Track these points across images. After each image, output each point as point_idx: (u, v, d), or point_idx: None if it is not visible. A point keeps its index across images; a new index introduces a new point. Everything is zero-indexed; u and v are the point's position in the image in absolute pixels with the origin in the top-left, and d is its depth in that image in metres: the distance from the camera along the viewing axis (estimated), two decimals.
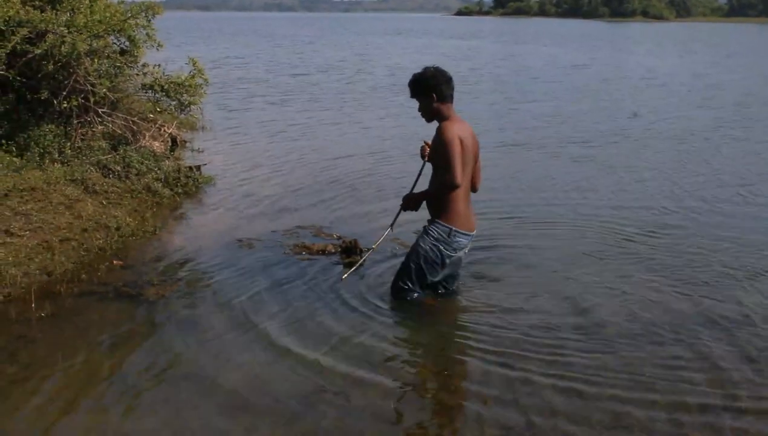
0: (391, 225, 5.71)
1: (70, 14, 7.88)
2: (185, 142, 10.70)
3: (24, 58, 7.69)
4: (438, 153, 5.02)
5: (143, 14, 8.38)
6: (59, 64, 7.70)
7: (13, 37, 7.37)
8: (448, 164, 4.90)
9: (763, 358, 4.66)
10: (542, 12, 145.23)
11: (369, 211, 7.87)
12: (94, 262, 6.05)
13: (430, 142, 5.24)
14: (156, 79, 8.55)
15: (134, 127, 8.66)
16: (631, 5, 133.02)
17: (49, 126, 7.94)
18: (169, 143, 9.32)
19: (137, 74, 8.66)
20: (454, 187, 4.93)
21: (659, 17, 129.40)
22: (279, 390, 4.23)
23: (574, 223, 7.66)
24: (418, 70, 5.20)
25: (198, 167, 8.80)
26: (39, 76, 7.87)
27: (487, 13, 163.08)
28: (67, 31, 7.58)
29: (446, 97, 5.10)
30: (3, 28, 7.40)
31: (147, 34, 8.47)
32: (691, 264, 6.43)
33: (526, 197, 8.71)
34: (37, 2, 7.93)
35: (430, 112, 5.16)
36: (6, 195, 6.62)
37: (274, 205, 8.00)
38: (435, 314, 5.32)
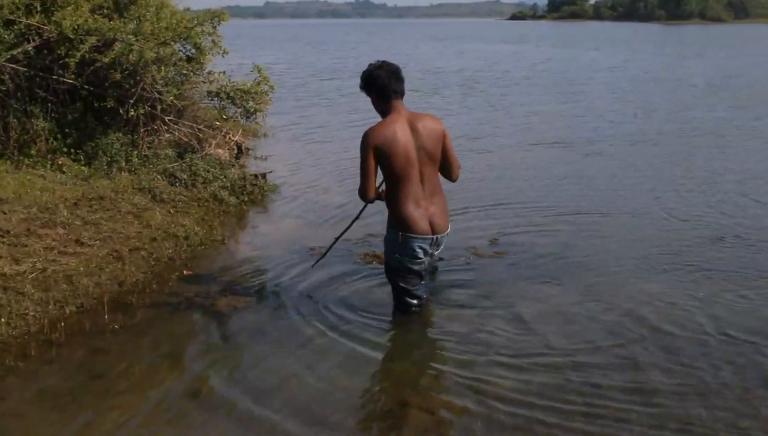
0: (355, 218, 5.66)
1: (137, 22, 7.84)
2: (248, 149, 10.65)
3: (92, 67, 7.68)
4: None
5: (209, 21, 8.33)
6: (126, 72, 7.66)
7: (81, 45, 7.36)
8: (360, 175, 4.78)
9: None
10: (597, 15, 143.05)
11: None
12: (164, 272, 5.97)
13: None
14: (222, 86, 8.49)
15: (200, 135, 8.61)
16: (688, 7, 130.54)
17: (116, 134, 7.92)
18: (235, 151, 9.26)
19: (203, 82, 8.61)
20: (364, 198, 4.85)
21: (717, 19, 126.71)
22: (355, 406, 4.11)
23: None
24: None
25: (263, 175, 8.72)
26: (106, 84, 7.86)
27: (541, 17, 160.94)
28: (134, 39, 7.55)
29: (388, 93, 4.83)
30: (72, 36, 7.39)
31: (213, 41, 8.41)
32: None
33: (568, 195, 8.80)
34: (105, 10, 7.92)
35: (377, 109, 4.96)
36: (75, 204, 6.62)
37: (341, 212, 7.82)
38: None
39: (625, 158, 10.97)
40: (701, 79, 23.53)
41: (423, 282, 5.10)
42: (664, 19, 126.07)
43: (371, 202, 4.91)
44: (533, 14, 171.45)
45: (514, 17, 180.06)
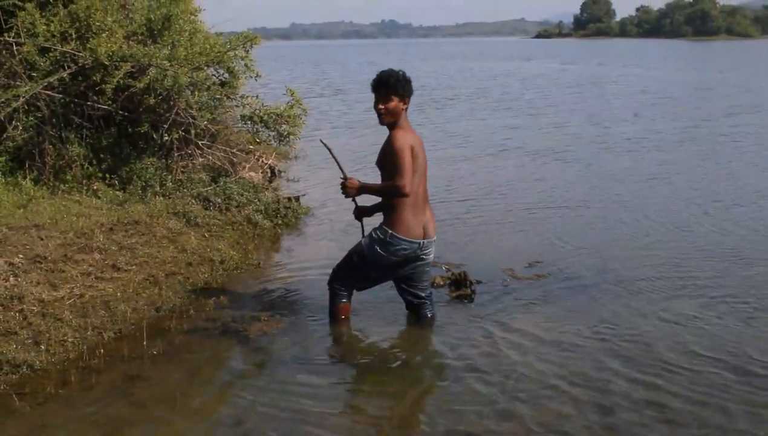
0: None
1: (170, 47, 7.88)
2: (281, 172, 10.65)
3: (126, 92, 7.71)
4: (388, 161, 4.98)
5: (242, 45, 8.34)
6: (160, 97, 7.70)
7: (116, 71, 7.40)
8: (399, 173, 4.86)
9: None
10: (623, 33, 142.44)
11: (477, 239, 7.69)
12: (201, 297, 5.94)
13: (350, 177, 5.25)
14: (255, 110, 8.49)
15: (233, 159, 8.61)
16: (714, 23, 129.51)
17: (151, 159, 7.94)
18: (269, 174, 9.26)
19: (236, 106, 8.63)
20: (404, 194, 4.90)
21: (744, 35, 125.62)
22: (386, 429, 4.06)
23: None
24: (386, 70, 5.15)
25: (297, 198, 8.71)
26: (140, 109, 7.90)
27: (567, 35, 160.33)
28: (168, 64, 7.58)
29: (408, 104, 5.08)
30: (107, 63, 7.44)
31: (246, 65, 8.43)
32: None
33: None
34: (139, 37, 7.97)
35: (394, 114, 5.03)
36: (111, 229, 6.62)
37: None
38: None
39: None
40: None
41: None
42: (691, 36, 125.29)
43: (407, 195, 4.91)
44: (559, 32, 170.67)
45: (539, 36, 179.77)
